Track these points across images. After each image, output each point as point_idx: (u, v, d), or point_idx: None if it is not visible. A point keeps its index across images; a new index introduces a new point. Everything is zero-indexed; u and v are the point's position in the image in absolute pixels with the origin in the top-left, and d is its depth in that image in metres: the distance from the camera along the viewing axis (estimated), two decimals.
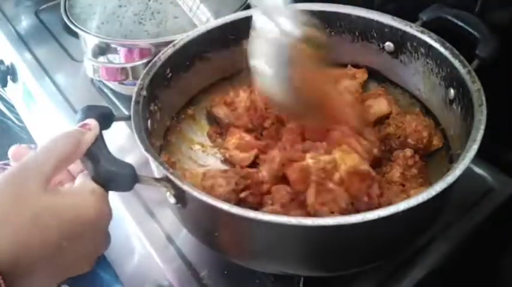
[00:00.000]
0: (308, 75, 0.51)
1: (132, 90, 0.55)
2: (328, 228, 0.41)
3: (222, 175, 0.57)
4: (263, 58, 0.50)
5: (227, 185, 0.56)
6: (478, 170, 0.69)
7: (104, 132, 0.47)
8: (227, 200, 0.54)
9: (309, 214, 0.53)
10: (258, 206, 0.57)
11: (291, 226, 0.41)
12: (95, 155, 0.43)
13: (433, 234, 0.60)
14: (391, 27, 0.63)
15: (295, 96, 0.52)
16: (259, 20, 0.49)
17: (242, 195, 0.57)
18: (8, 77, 1.01)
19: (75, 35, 0.84)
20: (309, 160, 0.53)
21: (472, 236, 0.62)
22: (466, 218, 0.63)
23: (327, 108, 0.55)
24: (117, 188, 0.45)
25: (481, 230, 0.63)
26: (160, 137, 0.62)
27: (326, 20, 0.68)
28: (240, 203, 0.57)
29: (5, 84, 1.03)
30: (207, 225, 0.50)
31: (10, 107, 1.21)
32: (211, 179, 0.56)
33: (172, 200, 0.47)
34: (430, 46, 0.59)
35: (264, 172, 0.58)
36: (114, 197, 0.69)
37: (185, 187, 0.44)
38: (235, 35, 0.67)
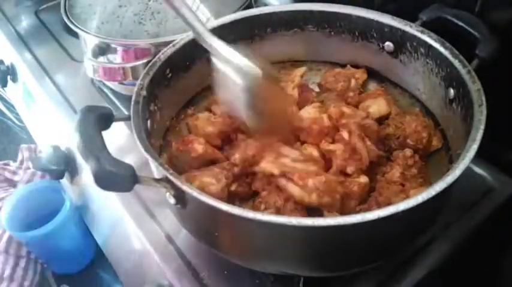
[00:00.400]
0: (269, 103, 0.56)
1: (132, 90, 0.55)
2: (328, 228, 0.41)
3: (208, 173, 0.57)
4: (229, 95, 0.55)
5: (218, 182, 0.56)
6: (478, 170, 0.69)
7: (104, 132, 0.48)
8: (221, 197, 0.55)
9: (305, 214, 0.53)
10: (249, 197, 0.58)
11: (291, 227, 0.41)
12: (95, 156, 0.43)
13: (433, 234, 0.60)
14: (391, 27, 0.63)
15: (260, 120, 0.56)
16: (220, 65, 0.53)
17: (233, 188, 0.57)
18: (8, 77, 1.01)
19: (75, 35, 0.84)
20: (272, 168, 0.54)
21: (472, 236, 0.62)
22: (466, 218, 0.63)
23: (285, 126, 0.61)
24: (116, 189, 0.45)
25: (481, 230, 0.63)
26: (160, 138, 0.61)
27: (326, 20, 0.68)
28: (231, 196, 0.58)
29: (5, 84, 1.03)
30: (207, 225, 0.50)
31: (10, 107, 1.21)
32: (195, 181, 0.56)
33: (172, 200, 0.47)
34: (430, 46, 0.59)
35: (236, 155, 0.58)
36: (114, 197, 0.69)
37: (185, 188, 0.44)
38: (234, 35, 0.67)
